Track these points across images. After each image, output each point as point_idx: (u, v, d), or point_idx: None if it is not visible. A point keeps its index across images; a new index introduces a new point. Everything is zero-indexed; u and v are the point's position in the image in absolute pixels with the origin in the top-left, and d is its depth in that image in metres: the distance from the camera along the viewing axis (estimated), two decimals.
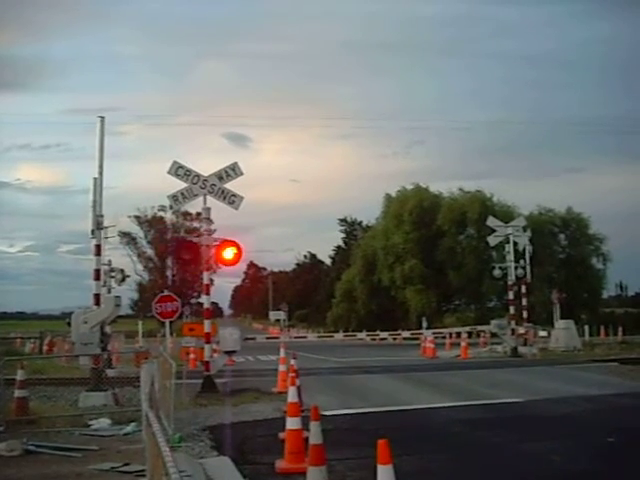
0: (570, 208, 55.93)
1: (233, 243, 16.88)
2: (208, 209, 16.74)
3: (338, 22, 75.66)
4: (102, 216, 15.03)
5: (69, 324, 15.31)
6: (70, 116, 67.36)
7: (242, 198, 16.93)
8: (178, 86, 79.59)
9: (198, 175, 16.70)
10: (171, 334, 22.38)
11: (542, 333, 35.03)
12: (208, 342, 16.51)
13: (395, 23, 72.71)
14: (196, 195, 16.79)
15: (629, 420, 11.85)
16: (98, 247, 15.08)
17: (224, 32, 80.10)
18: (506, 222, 31.62)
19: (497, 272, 30.07)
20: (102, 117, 15.48)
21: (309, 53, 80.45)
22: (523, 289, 29.60)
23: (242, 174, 17.07)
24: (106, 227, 16.09)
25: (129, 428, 11.30)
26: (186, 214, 76.15)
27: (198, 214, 18.15)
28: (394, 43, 76.94)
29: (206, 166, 17.69)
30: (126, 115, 73.59)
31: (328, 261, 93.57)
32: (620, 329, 41.84)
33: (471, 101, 79.15)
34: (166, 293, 20.73)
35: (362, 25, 74.38)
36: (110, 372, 16.31)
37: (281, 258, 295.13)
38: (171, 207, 19.54)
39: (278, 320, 72.81)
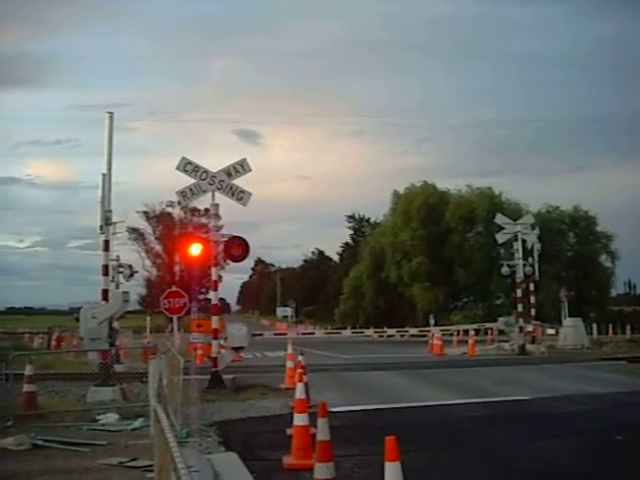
0: (578, 206, 55.75)
1: (241, 239, 16.92)
2: (216, 205, 16.76)
3: (350, 20, 75.74)
4: (111, 212, 15.05)
5: (77, 319, 15.35)
6: (80, 112, 67.65)
7: (250, 194, 16.95)
8: (189, 82, 79.85)
9: (206, 171, 16.73)
10: (179, 330, 22.40)
11: (550, 331, 35.00)
12: (216, 338, 16.54)
13: (408, 22, 72.75)
14: (204, 191, 16.81)
15: (637, 418, 11.82)
16: (106, 243, 15.11)
17: (235, 29, 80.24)
18: (514, 220, 31.54)
19: (505, 270, 29.99)
20: (111, 113, 15.49)
21: (320, 51, 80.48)
22: (531, 287, 29.57)
23: (250, 170, 17.08)
24: (114, 223, 16.12)
25: (137, 423, 11.33)
26: (194, 210, 76.16)
27: (206, 210, 18.17)
28: (406, 42, 77.03)
29: (216, 162, 17.72)
30: (136, 111, 73.79)
31: (336, 258, 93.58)
32: (628, 327, 41.73)
33: (480, 100, 79.06)
34: (174, 289, 20.77)
35: (375, 24, 74.43)
36: (118, 367, 16.36)
37: (289, 254, 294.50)
38: (179, 203, 19.75)
39: (285, 316, 72.92)
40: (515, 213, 41.17)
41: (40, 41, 77.14)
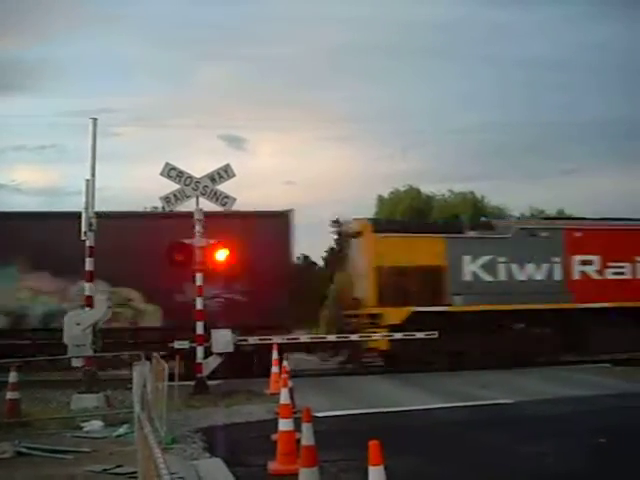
0: (562, 210, 55.98)
1: (225, 245, 16.90)
2: (200, 210, 16.75)
3: (334, 25, 75.64)
4: (94, 217, 15.01)
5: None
6: (66, 117, 67.38)
7: (234, 200, 16.97)
8: (175, 88, 79.66)
9: (190, 177, 16.73)
10: None
11: None
12: (201, 344, 16.51)
13: (390, 27, 72.83)
14: (188, 197, 16.81)
15: (620, 421, 11.89)
16: (91, 249, 15.05)
17: (220, 35, 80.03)
18: None
19: None
20: (94, 119, 15.44)
21: (306, 56, 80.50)
22: None
23: (234, 176, 17.11)
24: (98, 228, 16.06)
25: (121, 430, 11.29)
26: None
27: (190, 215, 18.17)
28: (395, 47, 76.90)
29: (203, 168, 17.76)
30: (123, 117, 73.56)
31: (321, 263, 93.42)
32: None
33: (465, 104, 79.37)
34: None
35: (358, 28, 74.38)
36: (102, 374, 16.27)
37: None
38: (163, 209, 19.67)
39: None
40: (498, 217, 41.30)
41: (26, 47, 76.86)
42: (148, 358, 12.60)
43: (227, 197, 16.90)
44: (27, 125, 66.59)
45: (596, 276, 21.85)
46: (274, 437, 9.12)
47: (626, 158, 69.90)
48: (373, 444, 5.24)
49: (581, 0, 79.23)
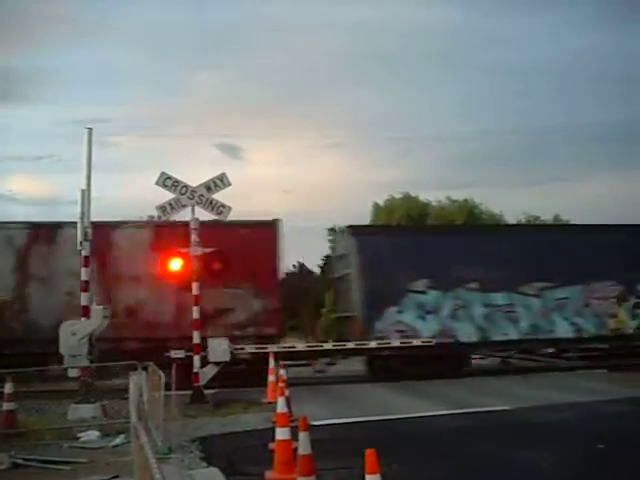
0: (558, 216, 56.05)
1: (221, 253, 16.88)
2: (196, 220, 16.73)
3: (329, 33, 75.80)
4: (90, 227, 15.00)
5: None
6: (63, 127, 67.34)
7: (230, 208, 16.94)
8: (171, 97, 79.73)
9: (186, 186, 16.71)
10: None
11: None
12: (197, 353, 16.47)
13: (386, 34, 73.01)
14: (184, 206, 16.78)
15: (618, 427, 11.89)
16: (86, 258, 15.03)
17: (216, 43, 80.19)
18: None
19: None
20: (90, 129, 15.44)
21: (302, 64, 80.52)
22: None
23: (230, 185, 17.08)
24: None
25: (118, 440, 11.25)
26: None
27: (186, 224, 18.06)
28: (388, 55, 77.08)
29: (199, 177, 17.74)
30: (118, 126, 73.54)
31: (317, 271, 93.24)
32: None
33: (461, 111, 79.46)
34: None
35: (353, 36, 74.53)
36: (99, 384, 16.21)
37: None
38: (159, 218, 19.63)
39: None
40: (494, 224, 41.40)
41: (23, 57, 76.90)
42: (144, 368, 12.56)
43: (223, 206, 16.87)
44: (25, 135, 66.67)
45: None
46: (271, 446, 9.10)
47: (621, 163, 70.13)
48: (369, 452, 5.25)
49: (585, 5, 79.65)
